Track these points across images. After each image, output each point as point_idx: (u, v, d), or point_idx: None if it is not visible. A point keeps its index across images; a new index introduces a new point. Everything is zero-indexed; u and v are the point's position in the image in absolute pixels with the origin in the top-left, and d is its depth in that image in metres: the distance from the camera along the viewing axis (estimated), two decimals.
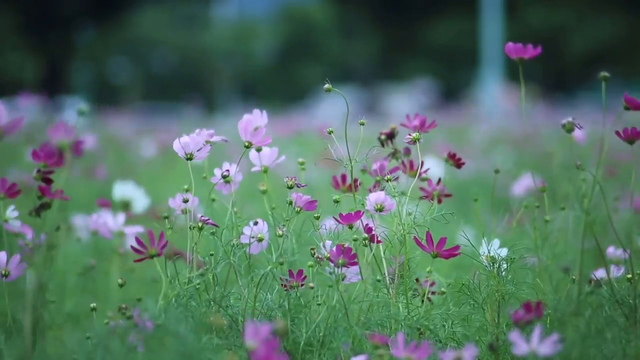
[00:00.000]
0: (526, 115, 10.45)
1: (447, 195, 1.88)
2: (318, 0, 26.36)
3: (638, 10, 23.62)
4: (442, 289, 1.82)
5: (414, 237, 1.69)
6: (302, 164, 1.87)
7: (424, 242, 1.70)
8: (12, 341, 1.58)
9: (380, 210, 1.71)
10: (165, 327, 1.51)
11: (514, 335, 1.45)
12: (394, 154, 1.91)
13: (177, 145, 1.74)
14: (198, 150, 1.75)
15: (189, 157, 1.75)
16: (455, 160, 1.90)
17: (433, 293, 1.80)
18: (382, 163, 1.86)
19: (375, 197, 1.71)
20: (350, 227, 1.69)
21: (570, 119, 1.75)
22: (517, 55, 1.81)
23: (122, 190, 2.38)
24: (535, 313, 1.53)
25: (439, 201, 1.85)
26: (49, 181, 1.66)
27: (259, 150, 1.82)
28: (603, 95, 1.71)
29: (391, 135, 1.91)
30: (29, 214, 1.66)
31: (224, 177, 1.77)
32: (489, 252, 1.73)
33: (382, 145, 1.90)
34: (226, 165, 1.78)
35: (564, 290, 1.68)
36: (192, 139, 1.76)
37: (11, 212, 1.73)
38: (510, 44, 1.82)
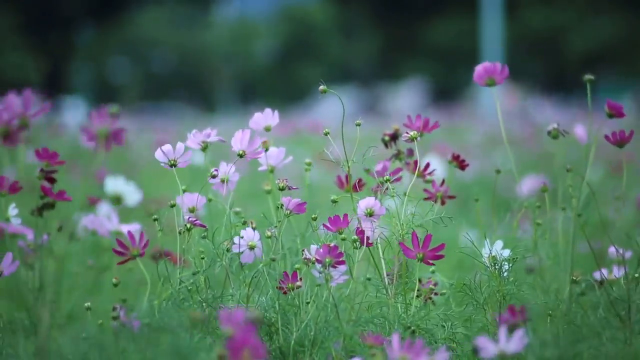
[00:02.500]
0: (526, 115, 10.45)
1: (451, 197, 1.87)
2: (318, 0, 26.35)
3: (638, 10, 23.61)
4: (435, 289, 1.81)
5: (399, 242, 1.68)
6: (308, 164, 1.86)
7: (417, 244, 1.67)
8: (14, 340, 1.58)
9: (371, 215, 1.71)
10: (161, 325, 1.51)
11: (481, 340, 1.43)
12: (397, 155, 1.90)
13: (159, 154, 1.72)
14: (180, 156, 1.73)
15: (173, 164, 1.74)
16: (459, 162, 1.89)
17: (436, 294, 1.80)
18: (385, 164, 1.85)
19: (365, 203, 1.71)
20: (340, 232, 1.69)
21: (555, 125, 1.74)
22: (487, 76, 1.77)
23: (114, 185, 2.42)
24: (520, 316, 1.53)
25: (442, 203, 1.85)
26: (51, 181, 1.65)
27: (266, 150, 1.82)
28: (588, 98, 1.71)
29: (394, 137, 1.91)
30: (31, 214, 1.64)
31: (213, 176, 1.75)
32: (490, 253, 1.73)
33: (386, 146, 1.90)
34: (223, 165, 1.77)
35: (562, 291, 1.68)
36: (188, 141, 1.74)
37: (12, 210, 1.72)
38: (480, 66, 1.77)
